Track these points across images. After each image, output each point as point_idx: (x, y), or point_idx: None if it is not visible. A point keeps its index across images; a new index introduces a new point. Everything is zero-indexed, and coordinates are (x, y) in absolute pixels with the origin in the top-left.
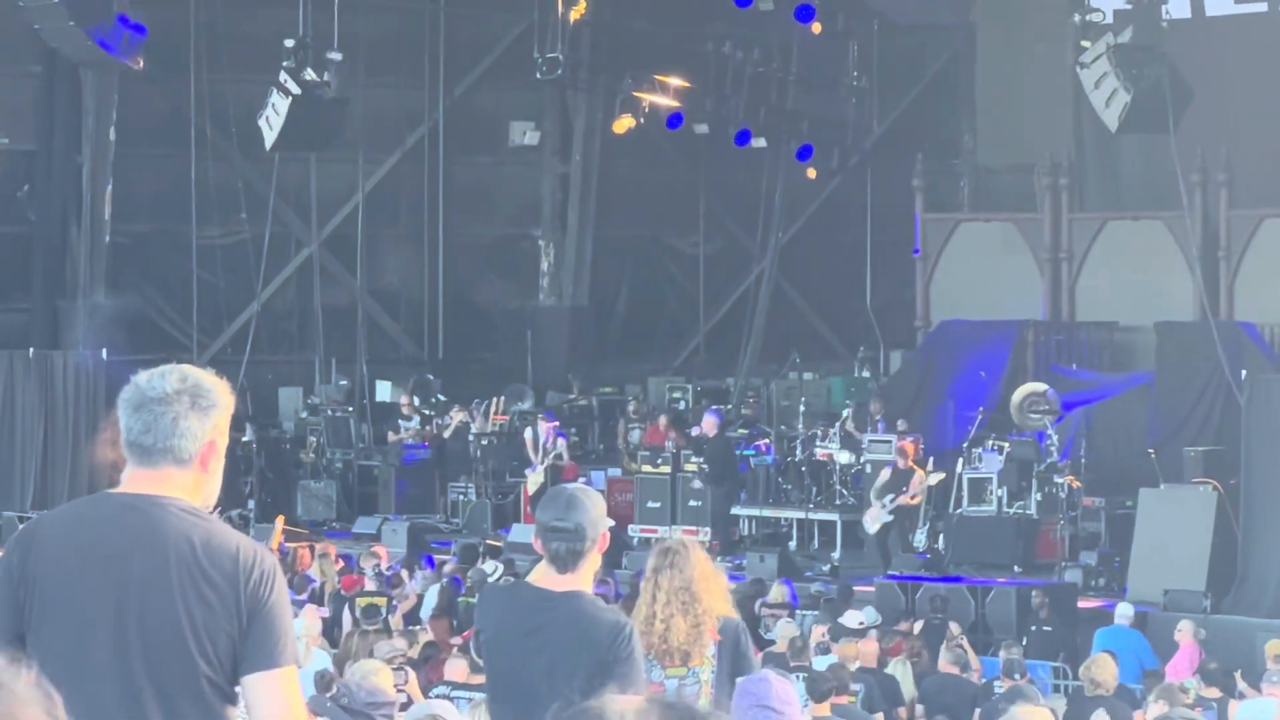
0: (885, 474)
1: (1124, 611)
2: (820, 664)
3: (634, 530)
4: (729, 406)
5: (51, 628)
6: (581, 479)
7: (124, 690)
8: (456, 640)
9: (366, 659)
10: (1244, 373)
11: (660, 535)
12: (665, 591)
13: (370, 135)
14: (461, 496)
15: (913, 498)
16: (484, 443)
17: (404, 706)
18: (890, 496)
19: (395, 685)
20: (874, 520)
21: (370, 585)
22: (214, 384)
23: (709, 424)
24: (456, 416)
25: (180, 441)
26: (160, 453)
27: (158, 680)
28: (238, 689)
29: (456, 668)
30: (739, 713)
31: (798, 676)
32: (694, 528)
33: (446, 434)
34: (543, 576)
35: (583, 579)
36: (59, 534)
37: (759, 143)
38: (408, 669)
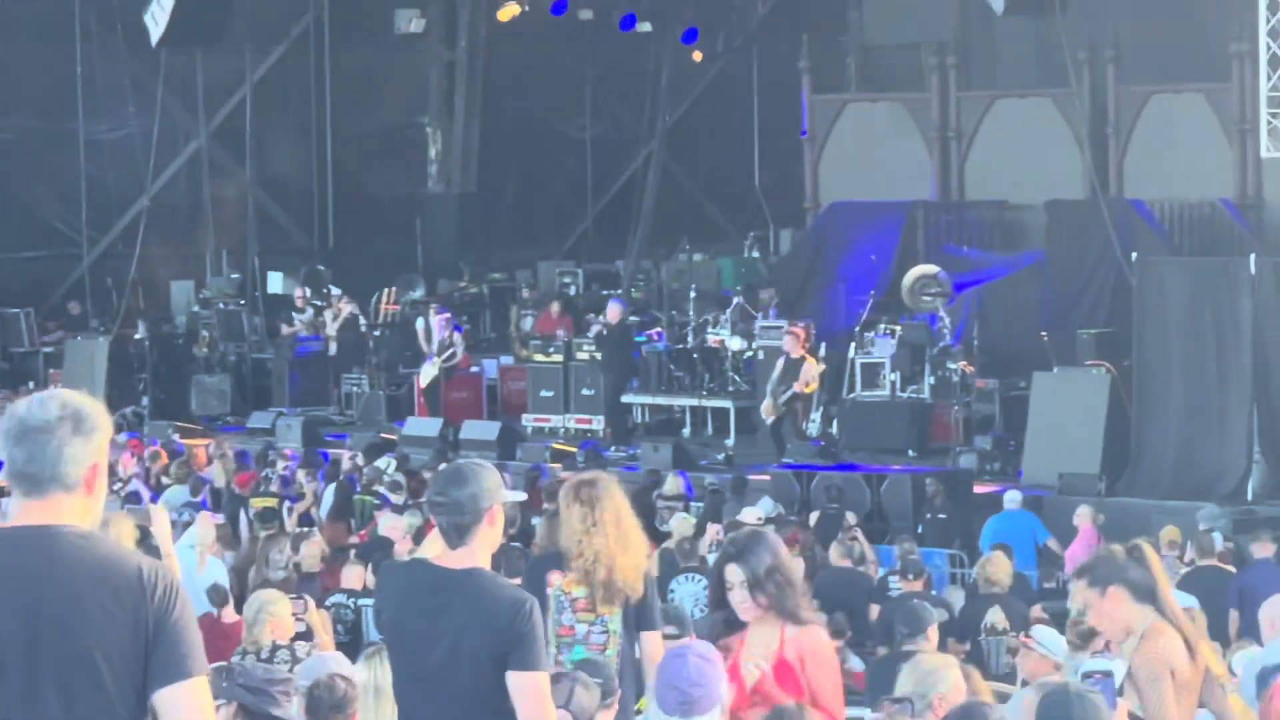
0: (779, 365)
1: (1013, 497)
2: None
3: (527, 420)
4: (619, 291)
5: None
6: (474, 368)
7: None
8: (354, 540)
9: (263, 589)
10: (1134, 255)
11: (554, 424)
12: (611, 526)
13: (256, 26)
14: (355, 388)
15: (806, 385)
16: (376, 334)
17: (301, 636)
18: (784, 388)
19: (294, 614)
20: (770, 412)
21: (274, 487)
22: (93, 408)
23: (612, 312)
24: (344, 308)
25: (66, 468)
26: (47, 481)
27: (72, 713)
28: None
29: (353, 574)
30: (655, 687)
31: (690, 577)
32: (588, 416)
33: (332, 330)
34: (440, 553)
35: (477, 554)
36: None
37: (644, 27)
38: (306, 598)
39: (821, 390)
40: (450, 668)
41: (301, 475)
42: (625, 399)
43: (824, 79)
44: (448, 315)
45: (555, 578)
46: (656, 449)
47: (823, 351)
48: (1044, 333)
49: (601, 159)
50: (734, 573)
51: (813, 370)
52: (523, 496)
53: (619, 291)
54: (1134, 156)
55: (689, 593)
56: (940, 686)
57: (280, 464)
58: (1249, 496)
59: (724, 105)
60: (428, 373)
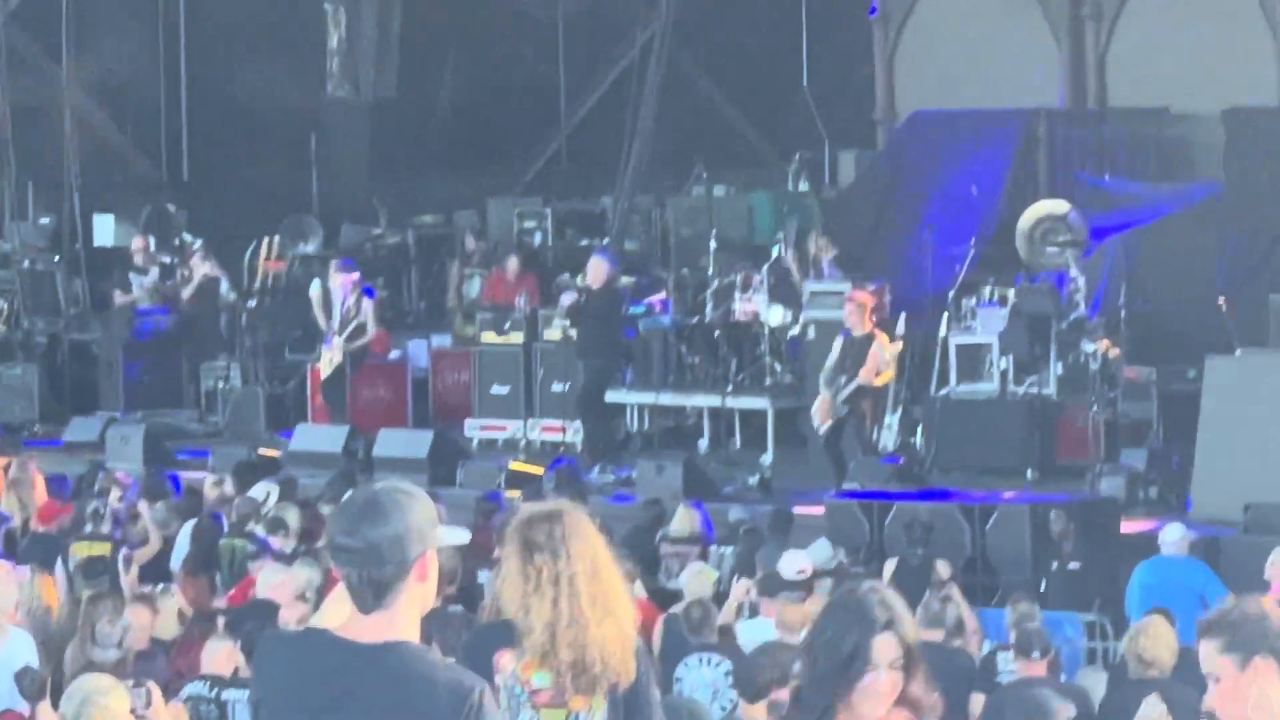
0: (836, 346)
1: (1172, 536)
2: (747, 635)
3: (472, 427)
4: (606, 241)
5: None
6: (394, 353)
7: None
8: (220, 604)
9: (89, 674)
10: None
11: (512, 433)
12: (583, 579)
13: None
14: (221, 383)
15: (876, 375)
16: (251, 304)
17: None
18: (845, 379)
19: (132, 711)
20: (825, 414)
21: (104, 527)
22: None
23: (597, 270)
24: (199, 268)
25: None
26: None
27: None
28: None
29: (219, 653)
30: None
31: (709, 661)
32: (558, 423)
33: (186, 293)
34: (347, 621)
35: (400, 622)
36: None
37: None
38: (149, 686)
39: (899, 383)
40: None
41: (144, 510)
42: (614, 397)
43: None
44: (356, 276)
45: (506, 660)
46: (660, 470)
47: (901, 327)
48: (1222, 298)
49: (580, 49)
50: (889, 648)
51: (886, 353)
52: (465, 537)
53: (605, 241)
54: None
55: (704, 681)
56: None
57: (113, 493)
58: None
59: None
60: (327, 359)
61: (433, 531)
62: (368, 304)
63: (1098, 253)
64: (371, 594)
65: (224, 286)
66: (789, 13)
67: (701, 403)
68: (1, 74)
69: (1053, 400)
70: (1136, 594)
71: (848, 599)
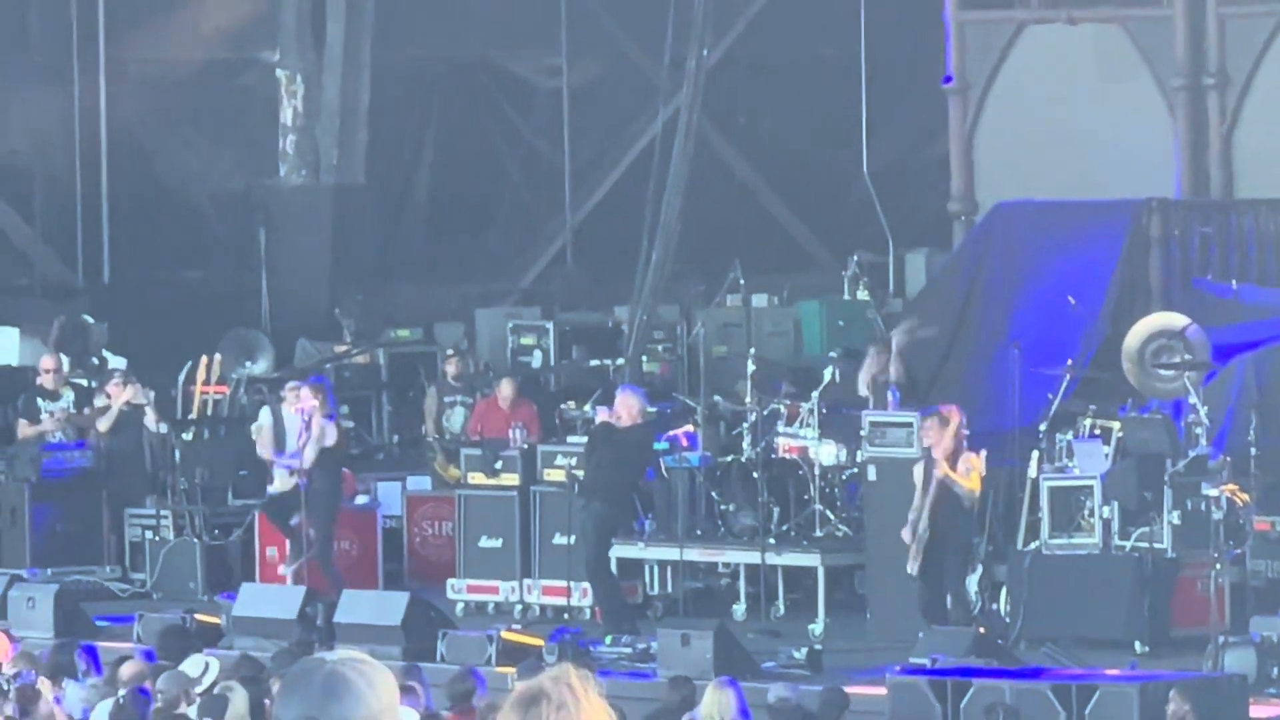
0: (918, 472)
1: None
2: None
3: (456, 588)
4: (621, 361)
5: None
6: (361, 498)
7: None
8: None
9: None
10: None
11: (504, 596)
12: None
13: None
14: (150, 534)
15: (959, 474)
16: (185, 437)
17: None
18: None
19: None
20: (917, 550)
21: (5, 710)
22: None
23: (628, 406)
24: (120, 394)
25: None
26: None
27: None
28: None
29: None
30: None
31: None
32: (561, 584)
33: (102, 425)
34: None
35: None
36: None
37: None
38: None
39: (980, 536)
40: None
41: (47, 689)
42: (630, 552)
43: None
44: (313, 403)
45: None
46: (687, 641)
47: (981, 465)
48: None
49: (589, 125)
50: None
51: (975, 462)
52: (414, 718)
53: (620, 363)
54: None
55: None
56: None
57: (12, 668)
58: None
59: (806, 31)
60: (281, 480)
61: (395, 712)
62: (330, 432)
63: (1222, 376)
64: None
65: (149, 416)
66: (846, 83)
67: (737, 559)
68: None
69: (1167, 557)
70: None
71: None
